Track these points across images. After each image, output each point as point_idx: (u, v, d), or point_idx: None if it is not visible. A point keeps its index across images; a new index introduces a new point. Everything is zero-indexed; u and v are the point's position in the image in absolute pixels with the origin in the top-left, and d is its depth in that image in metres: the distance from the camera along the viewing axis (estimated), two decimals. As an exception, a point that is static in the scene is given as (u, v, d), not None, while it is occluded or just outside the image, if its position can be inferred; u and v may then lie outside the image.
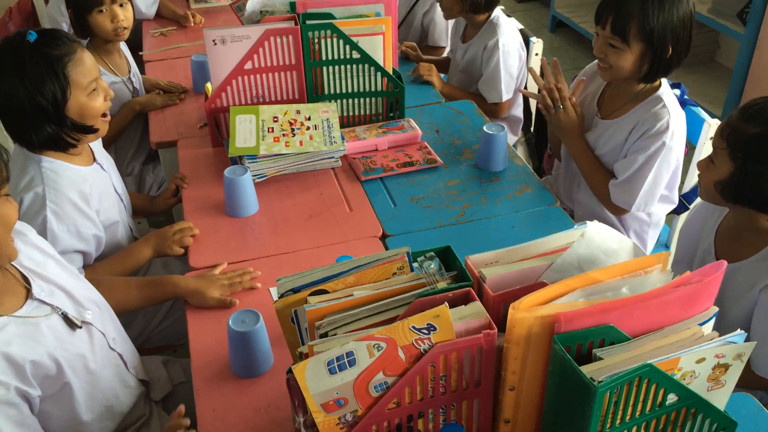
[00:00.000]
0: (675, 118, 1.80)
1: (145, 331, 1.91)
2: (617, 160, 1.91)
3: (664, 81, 1.86)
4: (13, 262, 1.30)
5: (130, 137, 2.50)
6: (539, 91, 1.96)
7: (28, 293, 1.30)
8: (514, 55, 2.48)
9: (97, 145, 1.84)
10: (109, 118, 1.72)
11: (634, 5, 1.68)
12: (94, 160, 1.79)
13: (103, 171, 1.81)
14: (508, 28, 2.48)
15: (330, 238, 1.78)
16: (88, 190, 1.69)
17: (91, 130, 1.65)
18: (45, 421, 1.30)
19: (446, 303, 0.96)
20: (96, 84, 1.63)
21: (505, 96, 2.51)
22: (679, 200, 2.10)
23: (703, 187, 1.49)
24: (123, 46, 2.52)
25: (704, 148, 2.02)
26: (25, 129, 1.57)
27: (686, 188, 2.14)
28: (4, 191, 1.22)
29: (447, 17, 2.59)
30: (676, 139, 1.81)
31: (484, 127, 1.99)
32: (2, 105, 1.55)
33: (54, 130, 1.58)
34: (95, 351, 1.39)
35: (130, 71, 2.49)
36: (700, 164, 1.50)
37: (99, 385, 1.39)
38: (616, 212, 1.98)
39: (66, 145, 1.63)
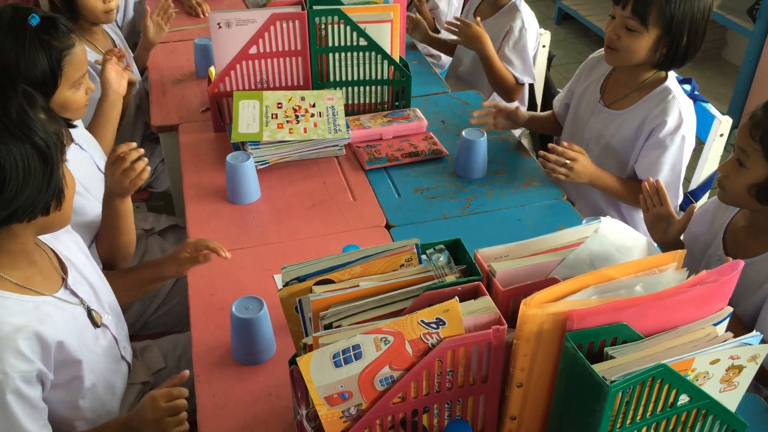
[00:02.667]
0: (686, 108, 1.80)
1: (142, 317, 1.88)
2: (627, 151, 1.89)
3: (670, 72, 1.84)
4: (53, 248, 1.33)
5: (125, 122, 2.44)
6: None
7: (63, 281, 1.31)
8: (534, 39, 2.46)
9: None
10: (85, 108, 1.72)
11: None
12: (72, 140, 1.75)
13: (82, 150, 1.79)
14: (529, 12, 2.47)
15: (333, 227, 1.76)
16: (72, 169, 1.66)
17: (68, 125, 1.64)
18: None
19: (456, 297, 0.94)
20: (82, 79, 1.66)
21: (530, 78, 2.46)
22: (687, 196, 2.08)
23: (730, 192, 1.43)
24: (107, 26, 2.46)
25: (713, 146, 1.99)
26: None
27: (693, 185, 2.11)
28: (65, 156, 1.23)
29: None
30: (690, 128, 1.81)
31: (464, 133, 1.91)
32: None
33: None
34: (107, 355, 1.39)
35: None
36: (724, 168, 1.44)
37: (101, 388, 1.37)
38: None
39: None
